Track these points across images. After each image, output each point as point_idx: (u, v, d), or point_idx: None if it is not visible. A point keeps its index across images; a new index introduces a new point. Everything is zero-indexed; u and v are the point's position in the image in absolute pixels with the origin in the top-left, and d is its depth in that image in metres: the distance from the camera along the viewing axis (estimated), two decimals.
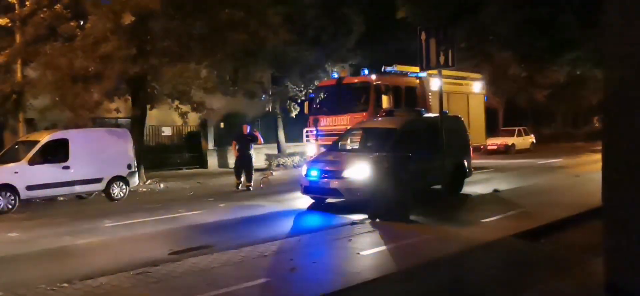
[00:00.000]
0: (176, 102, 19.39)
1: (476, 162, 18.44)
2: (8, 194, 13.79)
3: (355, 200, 11.81)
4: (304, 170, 13.22)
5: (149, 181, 19.84)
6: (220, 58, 19.12)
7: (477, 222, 10.36)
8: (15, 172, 14.06)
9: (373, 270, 7.38)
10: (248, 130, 17.20)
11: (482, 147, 24.32)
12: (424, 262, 7.48)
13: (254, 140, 17.20)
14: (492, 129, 29.99)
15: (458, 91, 21.15)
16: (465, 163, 15.00)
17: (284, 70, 26.58)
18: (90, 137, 15.96)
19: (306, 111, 20.49)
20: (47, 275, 7.36)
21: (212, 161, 27.64)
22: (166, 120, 25.69)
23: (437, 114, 14.76)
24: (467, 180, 14.98)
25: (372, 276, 6.97)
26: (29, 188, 14.17)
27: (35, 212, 13.93)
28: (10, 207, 13.77)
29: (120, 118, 22.48)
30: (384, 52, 26.27)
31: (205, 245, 9.01)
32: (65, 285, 6.75)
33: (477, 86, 22.91)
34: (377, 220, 10.53)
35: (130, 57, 16.60)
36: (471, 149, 15.89)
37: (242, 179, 16.94)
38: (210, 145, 27.96)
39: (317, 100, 20.08)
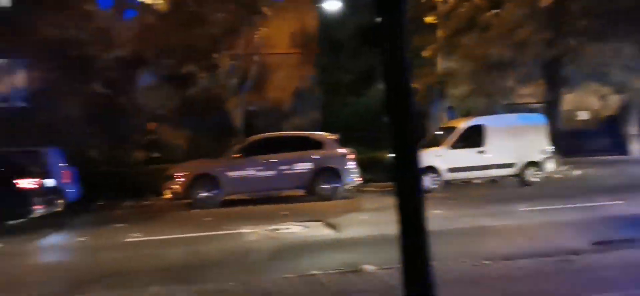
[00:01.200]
0: (594, 85, 18.19)
1: None
2: (432, 175, 15.30)
3: None
4: None
5: (563, 167, 19.14)
6: None
7: None
8: (438, 156, 15.50)
9: None
10: None
11: None
12: None
13: None
14: None
15: None
16: None
17: None
18: (504, 123, 16.37)
19: None
20: (469, 251, 7.82)
21: (635, 147, 24.90)
22: (582, 104, 24.37)
23: None
24: None
25: None
26: (450, 170, 15.46)
27: (454, 192, 15.01)
28: (434, 186, 15.23)
29: (533, 103, 22.34)
30: None
31: (632, 238, 8.13)
32: (487, 262, 7.05)
33: None
34: None
35: (546, 40, 16.31)
36: None
37: None
38: (633, 129, 25.21)
39: None
